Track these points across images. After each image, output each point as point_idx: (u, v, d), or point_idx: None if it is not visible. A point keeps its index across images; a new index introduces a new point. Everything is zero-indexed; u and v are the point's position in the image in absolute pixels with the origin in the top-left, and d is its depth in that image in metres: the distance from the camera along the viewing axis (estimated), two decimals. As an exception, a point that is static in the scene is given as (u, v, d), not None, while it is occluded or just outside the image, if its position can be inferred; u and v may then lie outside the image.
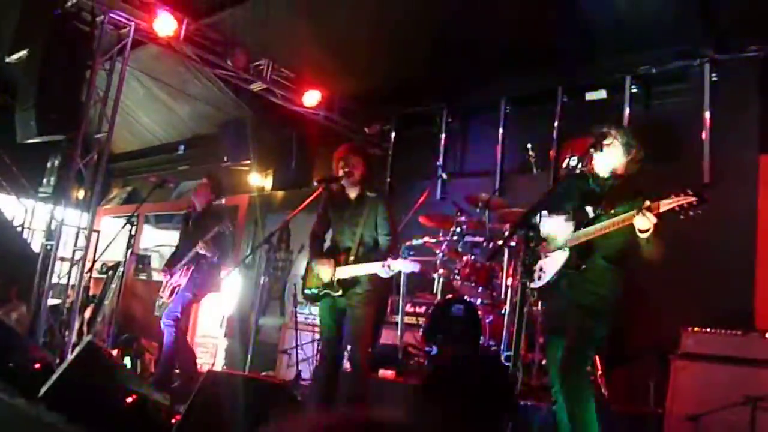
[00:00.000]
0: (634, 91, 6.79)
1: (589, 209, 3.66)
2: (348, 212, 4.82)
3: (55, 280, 7.01)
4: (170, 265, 6.39)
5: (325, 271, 4.71)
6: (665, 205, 3.20)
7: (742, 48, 6.11)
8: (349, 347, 4.75)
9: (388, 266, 4.45)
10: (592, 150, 3.66)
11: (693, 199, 3.12)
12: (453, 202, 6.65)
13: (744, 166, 5.98)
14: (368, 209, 4.73)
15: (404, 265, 4.61)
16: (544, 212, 3.80)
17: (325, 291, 4.74)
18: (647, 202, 3.25)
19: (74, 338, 6.90)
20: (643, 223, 3.26)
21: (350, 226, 4.77)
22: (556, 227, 3.75)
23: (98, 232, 9.72)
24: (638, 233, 3.33)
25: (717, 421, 4.85)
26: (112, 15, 6.89)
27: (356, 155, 4.80)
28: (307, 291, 4.94)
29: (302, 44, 8.31)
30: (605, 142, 3.67)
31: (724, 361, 5.12)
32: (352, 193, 4.84)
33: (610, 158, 3.71)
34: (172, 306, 6.03)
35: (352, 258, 4.67)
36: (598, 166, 3.74)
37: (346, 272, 4.64)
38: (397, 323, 6.56)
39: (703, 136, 6.17)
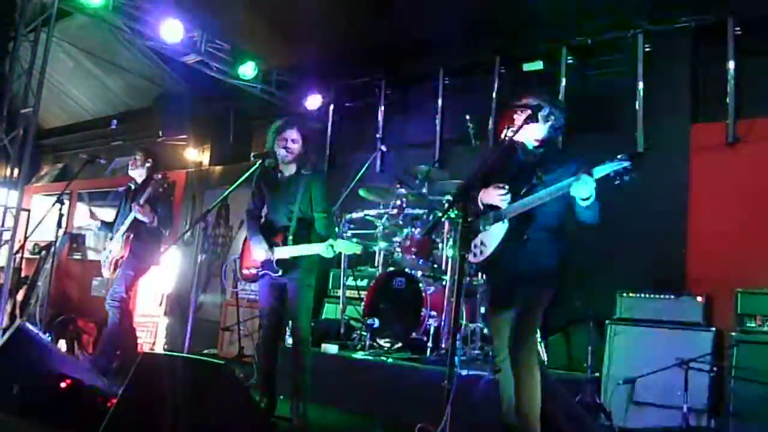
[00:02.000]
0: (570, 61, 6.85)
1: (522, 180, 3.68)
2: (283, 189, 4.72)
3: (-18, 262, 6.77)
4: (104, 225, 6.20)
5: (260, 254, 4.64)
6: (600, 171, 3.23)
7: (673, 19, 6.21)
8: (290, 322, 4.71)
9: (331, 247, 4.41)
10: (528, 122, 3.66)
11: (627, 163, 3.17)
12: (393, 175, 6.63)
13: (676, 136, 6.11)
14: (304, 186, 4.65)
15: (347, 246, 4.58)
16: (482, 186, 3.79)
17: (264, 271, 4.67)
18: (582, 169, 3.28)
19: (5, 322, 6.69)
20: (582, 189, 3.29)
21: (285, 204, 4.68)
22: (491, 196, 3.75)
23: (28, 211, 9.43)
24: (580, 201, 3.37)
25: (652, 384, 5.02)
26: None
27: (296, 130, 4.69)
28: (245, 271, 4.87)
29: (237, 15, 8.11)
30: (540, 113, 3.69)
31: (658, 325, 5.29)
32: (287, 171, 4.75)
33: (531, 129, 3.71)
34: (116, 285, 5.85)
35: (290, 237, 4.59)
36: (523, 136, 3.75)
37: (285, 252, 4.57)
38: (338, 297, 6.56)
39: (637, 106, 6.28)
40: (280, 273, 4.57)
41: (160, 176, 5.97)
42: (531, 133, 3.74)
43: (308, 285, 4.63)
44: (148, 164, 6.13)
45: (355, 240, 4.63)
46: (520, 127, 3.64)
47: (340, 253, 6.08)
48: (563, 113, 3.78)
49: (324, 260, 4.65)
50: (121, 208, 6.17)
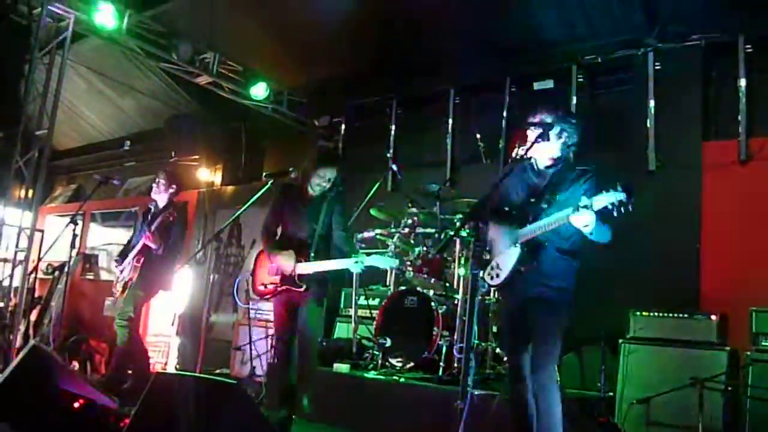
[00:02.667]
0: (581, 80, 6.88)
1: (535, 202, 3.67)
2: (306, 209, 4.80)
3: (-3, 282, 6.82)
4: (122, 256, 6.26)
5: (287, 263, 4.66)
6: (599, 202, 3.20)
7: (684, 37, 6.23)
8: (300, 341, 4.71)
9: (361, 262, 4.45)
10: (538, 140, 3.65)
11: (622, 196, 3.13)
12: (404, 194, 6.64)
13: (688, 153, 6.10)
14: (327, 206, 4.76)
15: (382, 261, 4.61)
16: (492, 215, 3.78)
17: (286, 286, 4.69)
18: (584, 200, 3.25)
19: (19, 342, 6.71)
20: (581, 221, 3.28)
21: (308, 222, 4.76)
22: (500, 233, 3.75)
23: (42, 231, 9.49)
24: (579, 228, 3.35)
25: (666, 403, 4.97)
26: (50, 7, 6.67)
27: (334, 170, 4.78)
28: (260, 287, 4.88)
29: (249, 37, 8.20)
30: (552, 132, 3.68)
31: (672, 344, 5.25)
32: (312, 191, 4.82)
33: (543, 146, 3.69)
34: (124, 306, 5.90)
35: (312, 254, 4.65)
36: (536, 155, 3.74)
37: (310, 268, 4.61)
38: (350, 316, 6.54)
39: (648, 124, 6.28)
40: (303, 288, 4.59)
41: (176, 204, 6.05)
42: (544, 152, 3.72)
43: (320, 306, 4.68)
44: (171, 190, 6.18)
45: (388, 254, 4.64)
46: (532, 144, 3.64)
47: (351, 273, 6.12)
48: (577, 130, 3.75)
49: (336, 280, 4.68)
50: (138, 229, 6.24)
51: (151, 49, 7.65)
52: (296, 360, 4.75)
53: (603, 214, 3.24)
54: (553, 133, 3.67)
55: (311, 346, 4.66)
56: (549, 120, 3.68)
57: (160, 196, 6.19)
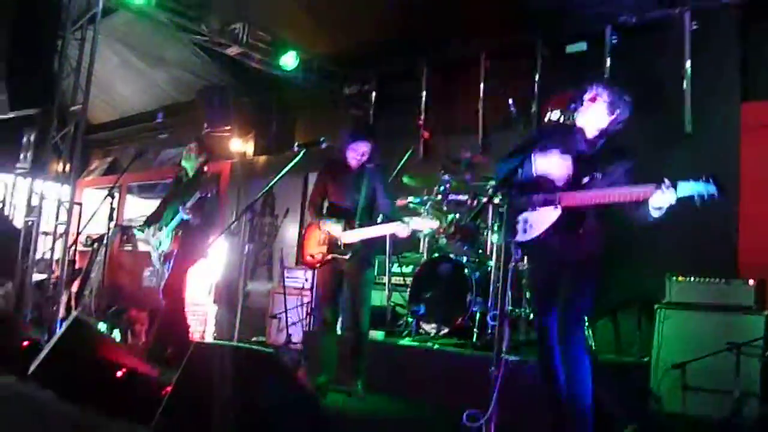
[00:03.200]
0: (615, 42, 6.73)
1: (584, 169, 3.59)
2: (349, 180, 4.93)
3: (39, 255, 6.97)
4: (147, 223, 6.35)
5: (335, 230, 4.78)
6: (684, 189, 3.14)
7: (721, -5, 6.05)
8: (350, 310, 4.81)
9: (407, 224, 4.53)
10: (572, 106, 3.58)
11: (713, 189, 3.07)
12: (437, 161, 6.62)
13: (726, 116, 5.96)
14: (368, 179, 4.87)
15: (424, 222, 4.66)
16: (539, 152, 3.68)
17: (333, 255, 4.79)
18: (666, 180, 3.18)
19: (62, 313, 6.89)
20: (662, 201, 3.21)
21: (351, 193, 4.88)
22: (554, 166, 3.64)
23: (80, 204, 9.67)
24: (651, 209, 3.29)
25: (702, 369, 4.93)
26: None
27: (369, 142, 4.91)
28: (308, 258, 4.97)
29: (277, 5, 8.16)
30: (587, 97, 3.61)
31: (708, 309, 5.19)
32: (353, 162, 4.92)
33: (595, 116, 3.61)
34: (168, 277, 6.03)
35: (357, 223, 4.76)
36: (583, 123, 3.64)
37: (357, 235, 4.73)
38: (384, 284, 6.59)
39: (684, 86, 6.14)
40: (348, 256, 4.66)
41: (208, 174, 6.09)
42: (593, 122, 3.64)
43: (368, 279, 4.85)
44: (201, 159, 6.23)
45: (428, 215, 4.75)
46: (573, 107, 3.56)
47: (385, 240, 6.16)
48: (629, 108, 3.66)
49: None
50: (171, 199, 6.29)
51: (181, 21, 7.67)
52: (338, 328, 4.88)
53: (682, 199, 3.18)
54: (603, 104, 3.59)
55: (363, 314, 4.80)
56: (605, 95, 3.60)
57: (190, 164, 6.25)
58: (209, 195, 5.99)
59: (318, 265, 4.96)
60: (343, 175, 4.96)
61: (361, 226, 4.76)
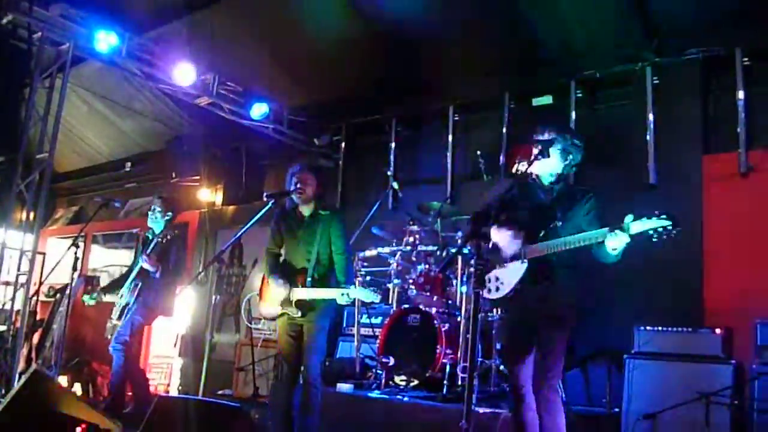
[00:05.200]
0: (579, 95, 6.89)
1: (544, 218, 3.66)
2: (301, 230, 4.83)
3: (-1, 306, 6.80)
4: (104, 290, 6.28)
5: (280, 293, 4.69)
6: (638, 226, 3.23)
7: (682, 51, 6.24)
8: (304, 361, 4.70)
9: (347, 294, 4.47)
10: (540, 157, 3.67)
11: (668, 223, 3.17)
12: (405, 212, 6.63)
13: (689, 167, 6.10)
14: (321, 227, 4.76)
15: (364, 294, 4.59)
16: (494, 225, 3.79)
17: (284, 312, 4.72)
18: (627, 219, 3.28)
19: (22, 365, 6.68)
20: (616, 242, 3.29)
21: (304, 245, 4.78)
22: (504, 239, 3.75)
23: (43, 254, 9.47)
24: (608, 249, 3.36)
25: (673, 418, 4.93)
26: (50, 32, 6.69)
27: (309, 172, 4.81)
28: (263, 309, 4.91)
29: (247, 57, 8.22)
30: (551, 149, 3.70)
31: (677, 359, 5.22)
32: (305, 211, 4.84)
33: (550, 163, 3.73)
34: (121, 329, 5.87)
35: (309, 279, 4.67)
36: (540, 170, 3.77)
37: (304, 294, 4.64)
38: (353, 335, 6.52)
39: (648, 138, 6.28)
40: (299, 314, 4.60)
41: (173, 231, 6.03)
42: (546, 168, 3.74)
43: (322, 327, 4.67)
44: (167, 217, 6.17)
45: (371, 288, 4.70)
46: (535, 158, 3.64)
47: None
48: (581, 151, 3.79)
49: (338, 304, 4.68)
50: (136, 255, 6.23)
51: (150, 71, 7.68)
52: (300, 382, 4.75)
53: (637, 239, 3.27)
54: (557, 151, 3.70)
55: (312, 365, 4.63)
56: (555, 138, 3.71)
57: (156, 223, 6.18)
58: (170, 237, 5.91)
59: (272, 319, 4.90)
60: (297, 228, 4.85)
61: (314, 281, 4.68)
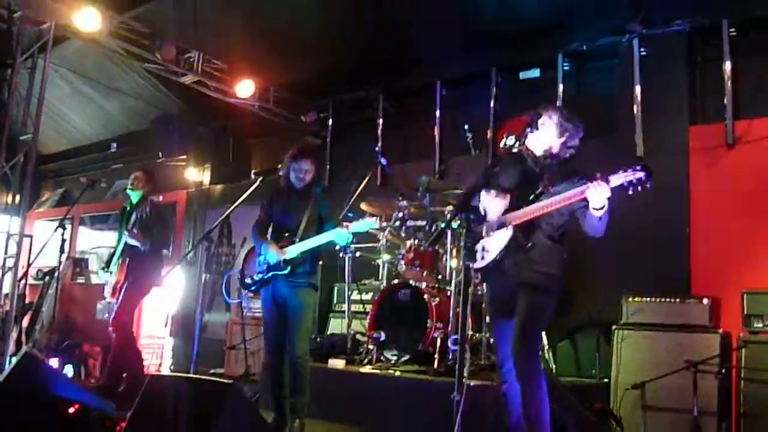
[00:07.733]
0: (567, 68, 6.88)
1: (529, 187, 3.68)
2: (293, 201, 4.82)
3: (-14, 289, 6.76)
4: (108, 263, 6.24)
5: (273, 255, 4.67)
6: (615, 179, 3.24)
7: (668, 22, 6.23)
8: (288, 337, 4.67)
9: (346, 228, 4.50)
10: (527, 129, 3.68)
11: (642, 174, 3.18)
12: (394, 188, 6.63)
13: (675, 138, 6.12)
14: (312, 201, 4.78)
15: (363, 225, 4.60)
16: (483, 189, 3.80)
17: (272, 272, 4.68)
18: (597, 174, 3.28)
19: (12, 349, 6.67)
20: (597, 196, 3.29)
21: (295, 212, 4.77)
22: (492, 203, 3.76)
23: (31, 237, 9.43)
24: (592, 210, 3.37)
25: (661, 388, 5.00)
26: (30, 11, 6.59)
27: (309, 161, 4.81)
28: (247, 280, 4.89)
29: (232, 34, 8.14)
30: (540, 121, 3.71)
31: (665, 329, 5.28)
32: (298, 186, 4.83)
33: (544, 137, 3.74)
34: (117, 309, 5.87)
35: (297, 239, 4.66)
36: (532, 145, 3.77)
37: (296, 248, 4.62)
38: (344, 312, 6.54)
39: (635, 110, 6.29)
40: (287, 270, 4.57)
41: (151, 199, 6.01)
42: (541, 143, 3.75)
43: (307, 302, 4.67)
44: (146, 188, 6.16)
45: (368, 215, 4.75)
46: (529, 129, 3.65)
47: (344, 268, 6.12)
48: (578, 133, 3.78)
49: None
50: (119, 230, 6.21)
51: (134, 49, 7.58)
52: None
53: (617, 192, 3.28)
54: (552, 124, 3.70)
55: (297, 341, 4.61)
56: (555, 116, 3.73)
57: (134, 193, 6.18)
58: (149, 210, 5.91)
59: (256, 288, 4.87)
60: (288, 198, 4.86)
61: (303, 239, 4.67)
